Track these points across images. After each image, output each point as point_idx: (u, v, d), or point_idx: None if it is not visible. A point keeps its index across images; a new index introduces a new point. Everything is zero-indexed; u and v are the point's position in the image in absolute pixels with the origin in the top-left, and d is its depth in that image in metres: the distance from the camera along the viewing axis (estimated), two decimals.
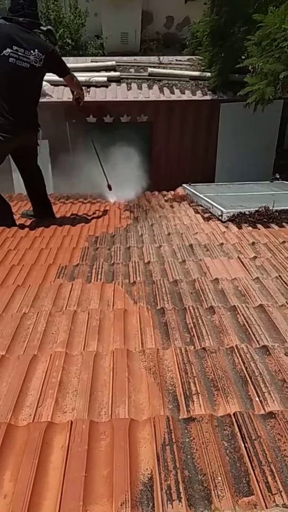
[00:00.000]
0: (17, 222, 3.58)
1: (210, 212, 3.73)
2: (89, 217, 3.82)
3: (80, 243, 2.96)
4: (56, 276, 2.31)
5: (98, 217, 3.79)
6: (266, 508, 0.92)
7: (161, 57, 7.57)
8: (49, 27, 3.46)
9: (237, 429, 1.11)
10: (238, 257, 2.54)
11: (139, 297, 2.04)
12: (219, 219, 3.47)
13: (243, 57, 5.29)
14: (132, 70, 7.21)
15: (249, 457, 1.04)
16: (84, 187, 5.02)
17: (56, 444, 1.10)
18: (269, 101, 4.43)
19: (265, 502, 0.93)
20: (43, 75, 3.36)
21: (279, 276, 2.19)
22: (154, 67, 7.13)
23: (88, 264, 2.50)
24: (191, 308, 1.85)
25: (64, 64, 3.45)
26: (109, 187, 4.47)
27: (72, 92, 3.76)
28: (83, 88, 6.39)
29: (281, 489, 0.96)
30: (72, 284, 2.17)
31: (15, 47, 3.02)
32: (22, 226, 3.46)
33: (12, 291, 2.07)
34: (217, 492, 0.95)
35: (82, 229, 3.35)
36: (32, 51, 3.10)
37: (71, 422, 1.14)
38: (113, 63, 7.13)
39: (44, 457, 1.05)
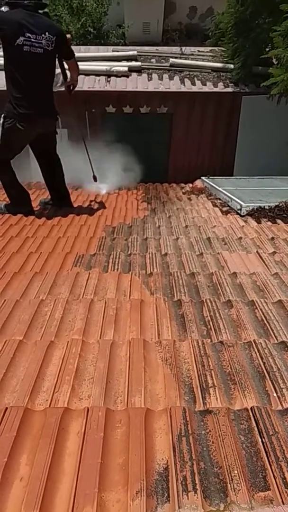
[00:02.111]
0: (35, 211, 3.60)
1: (228, 206, 3.69)
2: (107, 207, 3.82)
3: (97, 232, 2.96)
4: (73, 265, 2.32)
5: (115, 208, 3.78)
6: (283, 503, 0.91)
7: (183, 48, 7.46)
8: (45, 10, 3.34)
9: (254, 424, 1.10)
10: (257, 251, 2.50)
11: (156, 288, 2.03)
12: (237, 213, 3.42)
13: (268, 49, 5.18)
14: (153, 60, 7.12)
15: (266, 452, 1.02)
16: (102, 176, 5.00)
17: (72, 430, 1.10)
18: None
19: (281, 498, 0.92)
20: (55, 58, 3.28)
21: None
22: (176, 57, 7.03)
23: (105, 254, 2.50)
24: (208, 301, 1.83)
25: (71, 47, 3.39)
26: (95, 179, 4.39)
27: (65, 78, 3.62)
28: (104, 77, 6.40)
29: None
30: (89, 273, 2.18)
31: (27, 34, 2.95)
32: (39, 215, 3.48)
33: (29, 278, 2.08)
34: (233, 486, 0.95)
35: (100, 219, 3.35)
36: (43, 35, 3.03)
37: (88, 409, 1.14)
38: (135, 53, 7.05)
39: (60, 442, 1.06)
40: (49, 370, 1.36)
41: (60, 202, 3.77)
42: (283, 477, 0.96)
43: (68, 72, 3.58)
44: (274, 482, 0.96)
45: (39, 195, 4.24)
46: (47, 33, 3.06)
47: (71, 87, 3.64)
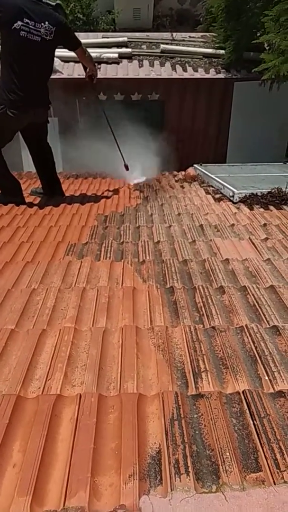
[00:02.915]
0: (26, 200, 3.57)
1: (221, 193, 3.68)
2: (99, 196, 3.79)
3: (89, 221, 2.94)
4: (65, 254, 2.31)
5: (107, 196, 3.76)
6: (274, 484, 0.92)
7: (174, 34, 7.38)
8: (58, 1, 3.33)
9: (246, 407, 1.11)
10: (249, 238, 2.51)
11: (148, 275, 2.03)
12: (230, 200, 3.42)
13: (259, 34, 5.13)
14: (144, 46, 7.04)
15: (257, 434, 1.03)
16: (94, 165, 4.95)
17: (65, 417, 1.10)
18: (285, 79, 4.29)
19: (273, 479, 0.93)
20: (55, 49, 3.25)
21: None
22: (167, 43, 6.96)
23: (97, 242, 2.48)
24: (200, 287, 1.83)
25: (75, 37, 3.34)
26: (126, 167, 4.30)
27: (85, 68, 3.65)
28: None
29: None
30: (81, 262, 2.17)
31: (25, 20, 2.91)
32: (31, 204, 3.45)
33: (21, 267, 2.07)
34: (225, 467, 0.95)
35: (91, 207, 3.33)
36: (42, 24, 3.00)
37: (80, 396, 1.15)
38: (125, 39, 6.96)
39: (53, 428, 1.06)
40: (42, 358, 1.36)
41: (52, 191, 3.74)
42: (275, 458, 0.97)
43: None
44: (266, 463, 0.96)
45: (30, 185, 4.20)
46: (46, 23, 3.02)
47: (93, 77, 3.60)
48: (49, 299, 1.73)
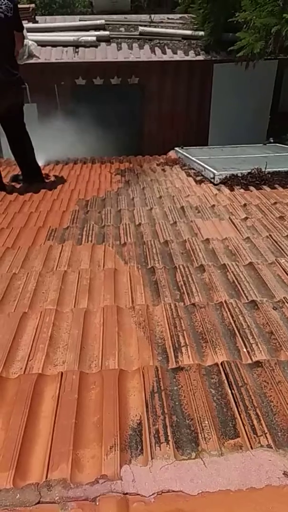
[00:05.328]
0: (6, 187, 3.52)
1: (202, 175, 3.69)
2: (80, 181, 3.76)
3: (70, 206, 2.93)
4: (46, 239, 2.30)
5: (88, 181, 3.73)
6: (252, 449, 0.95)
7: (153, 16, 7.27)
8: None
9: (224, 377, 1.14)
10: (230, 218, 2.53)
11: (130, 257, 2.03)
12: (211, 182, 3.43)
13: (237, 14, 5.09)
14: (122, 29, 6.93)
15: (235, 402, 1.06)
16: (75, 150, 4.90)
17: (47, 395, 1.11)
18: (260, 56, 4.26)
19: (250, 444, 0.96)
20: (14, 27, 3.17)
21: (270, 235, 2.19)
22: (145, 26, 6.86)
23: (78, 226, 2.48)
24: (181, 267, 1.85)
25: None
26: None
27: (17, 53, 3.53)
28: (72, 48, 6.19)
29: (266, 431, 0.98)
30: (62, 246, 2.16)
31: None
32: (11, 191, 3.41)
33: (1, 253, 2.06)
34: (204, 435, 0.98)
35: (72, 193, 3.30)
36: (2, 0, 2.96)
37: (62, 374, 1.16)
38: (103, 22, 6.83)
39: (35, 406, 1.07)
40: (23, 340, 1.37)
41: (32, 178, 3.69)
42: (252, 424, 1.00)
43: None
44: (243, 430, 0.99)
45: (9, 172, 4.13)
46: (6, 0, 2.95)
47: None
48: (30, 283, 1.73)
